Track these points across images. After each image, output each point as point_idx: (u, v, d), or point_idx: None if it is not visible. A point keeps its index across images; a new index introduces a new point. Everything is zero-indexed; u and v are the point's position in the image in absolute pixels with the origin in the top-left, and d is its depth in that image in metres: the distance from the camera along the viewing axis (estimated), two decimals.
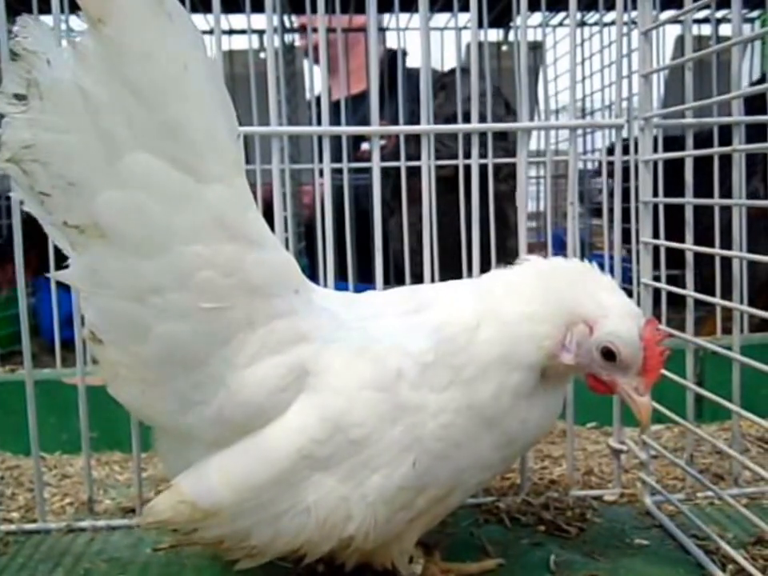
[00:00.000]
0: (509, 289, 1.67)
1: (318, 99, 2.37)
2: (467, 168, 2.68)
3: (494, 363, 1.59)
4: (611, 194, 2.24)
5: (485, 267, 2.05)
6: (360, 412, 1.51)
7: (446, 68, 4.51)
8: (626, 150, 2.48)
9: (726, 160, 2.27)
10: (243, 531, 1.49)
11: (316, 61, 4.60)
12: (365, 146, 4.31)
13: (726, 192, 2.22)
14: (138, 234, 1.37)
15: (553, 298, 1.63)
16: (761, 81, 4.16)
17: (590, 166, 4.90)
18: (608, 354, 1.60)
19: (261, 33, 4.28)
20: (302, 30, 4.12)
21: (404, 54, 4.36)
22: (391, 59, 4.19)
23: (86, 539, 2.04)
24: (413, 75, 3.10)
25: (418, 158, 2.15)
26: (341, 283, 2.09)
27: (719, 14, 4.35)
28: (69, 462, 2.62)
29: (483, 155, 2.61)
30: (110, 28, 1.27)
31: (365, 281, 2.81)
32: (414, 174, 2.98)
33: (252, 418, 1.49)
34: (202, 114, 1.38)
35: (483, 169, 2.60)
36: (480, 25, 3.54)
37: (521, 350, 1.60)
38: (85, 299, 1.45)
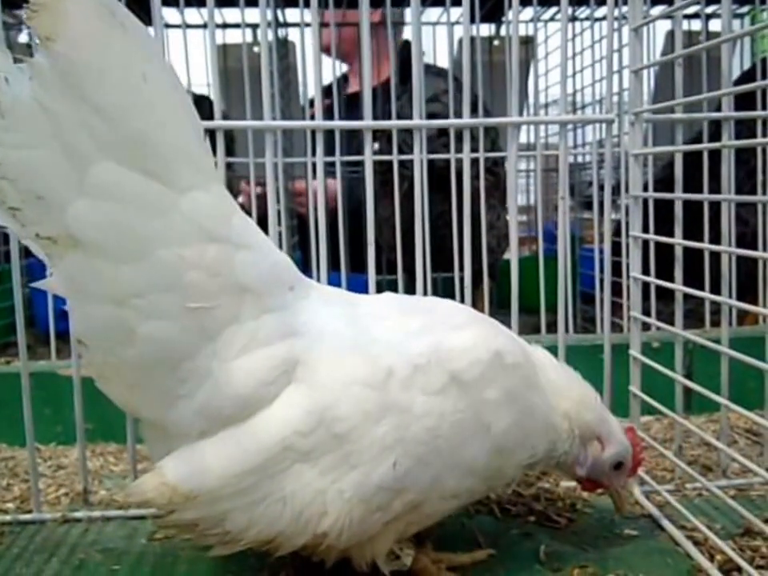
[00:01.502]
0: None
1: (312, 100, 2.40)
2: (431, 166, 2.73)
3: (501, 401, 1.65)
4: (602, 187, 2.26)
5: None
6: (346, 407, 1.52)
7: (439, 63, 4.52)
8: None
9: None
10: (218, 516, 1.49)
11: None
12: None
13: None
14: (112, 242, 1.37)
15: (576, 417, 1.78)
16: (751, 71, 4.17)
17: (579, 159, 4.92)
18: (619, 466, 1.84)
19: (254, 27, 4.29)
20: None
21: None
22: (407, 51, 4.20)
23: (81, 530, 2.05)
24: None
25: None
26: (333, 274, 2.10)
27: (709, 10, 4.38)
28: (64, 453, 2.63)
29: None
30: (60, 45, 1.26)
31: (358, 272, 2.83)
32: (390, 170, 3.00)
33: (239, 410, 1.49)
34: (166, 123, 1.37)
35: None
36: (472, 20, 3.55)
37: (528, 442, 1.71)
38: (69, 307, 1.46)
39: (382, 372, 1.55)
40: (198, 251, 1.42)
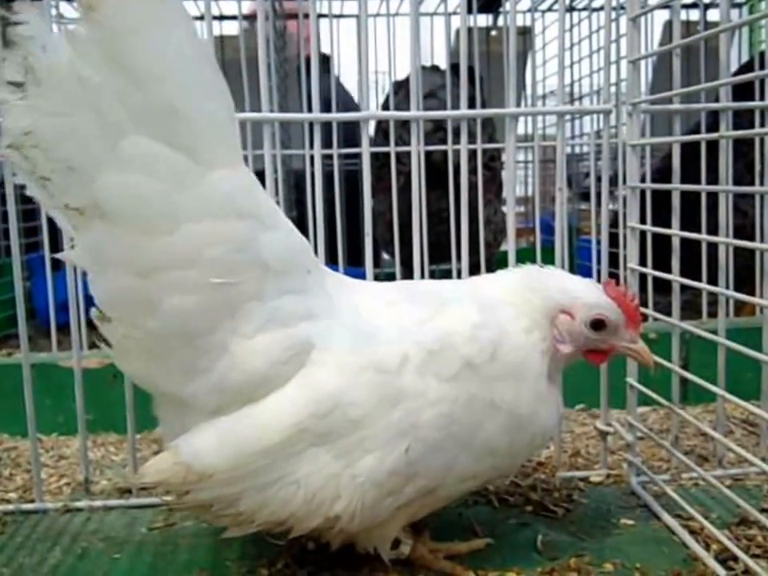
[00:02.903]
0: (498, 300, 1.75)
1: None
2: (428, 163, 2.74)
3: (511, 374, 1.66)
4: (599, 178, 2.26)
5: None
6: (360, 392, 1.53)
7: (436, 55, 4.52)
8: None
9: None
10: (232, 496, 1.51)
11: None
12: None
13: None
14: (140, 215, 1.39)
15: (532, 304, 1.73)
16: (750, 64, 4.18)
17: (577, 150, 4.92)
18: (598, 324, 1.74)
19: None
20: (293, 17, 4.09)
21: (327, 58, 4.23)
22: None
23: (83, 519, 2.07)
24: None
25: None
26: (330, 267, 2.11)
27: None
28: (65, 444, 2.65)
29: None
30: (101, 14, 1.28)
31: (355, 264, 2.83)
32: (385, 165, 3.00)
33: (253, 388, 1.51)
34: (199, 97, 1.39)
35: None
36: (469, 10, 3.56)
37: (531, 360, 1.69)
38: (92, 279, 1.47)
39: (396, 358, 1.57)
40: (226, 227, 1.43)
